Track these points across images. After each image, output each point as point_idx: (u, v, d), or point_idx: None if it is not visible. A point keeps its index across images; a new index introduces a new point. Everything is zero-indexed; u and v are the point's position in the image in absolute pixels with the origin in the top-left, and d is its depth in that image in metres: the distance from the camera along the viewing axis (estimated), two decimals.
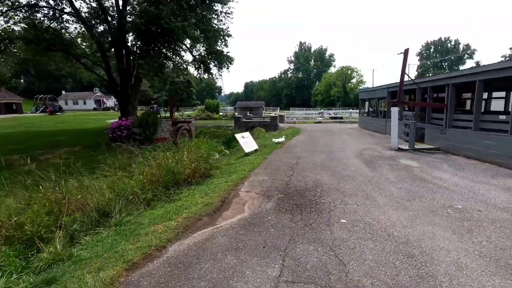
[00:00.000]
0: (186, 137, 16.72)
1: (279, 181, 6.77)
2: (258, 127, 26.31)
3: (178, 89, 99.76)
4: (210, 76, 32.95)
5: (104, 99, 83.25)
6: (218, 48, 28.14)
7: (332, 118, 33.30)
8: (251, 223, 4.43)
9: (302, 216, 4.60)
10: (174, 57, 31.26)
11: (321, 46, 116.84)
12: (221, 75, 31.30)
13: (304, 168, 8.04)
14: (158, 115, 14.54)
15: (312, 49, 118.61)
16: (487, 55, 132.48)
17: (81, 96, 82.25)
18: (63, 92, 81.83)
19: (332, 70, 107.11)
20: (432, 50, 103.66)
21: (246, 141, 11.29)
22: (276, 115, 26.87)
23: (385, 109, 17.03)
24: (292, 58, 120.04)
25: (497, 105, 13.26)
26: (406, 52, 10.71)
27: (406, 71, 11.04)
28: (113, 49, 22.27)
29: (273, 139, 13.63)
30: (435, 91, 12.15)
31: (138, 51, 21.64)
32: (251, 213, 4.85)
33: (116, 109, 78.32)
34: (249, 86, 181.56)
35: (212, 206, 5.25)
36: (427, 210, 4.69)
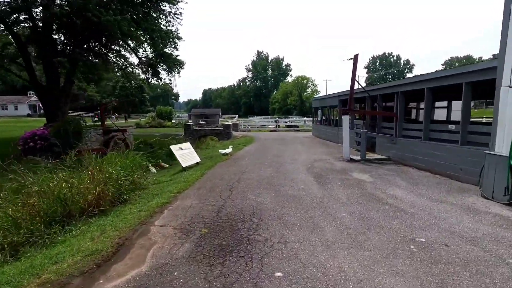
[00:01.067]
0: (121, 148, 14.51)
1: (209, 207, 5.36)
2: (210, 136, 24.74)
3: (130, 94, 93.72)
4: (159, 80, 30.66)
5: (40, 104, 74.26)
6: (167, 51, 26.15)
7: (288, 126, 33.03)
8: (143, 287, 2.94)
9: (224, 268, 3.23)
10: (117, 58, 28.53)
11: (278, 55, 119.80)
12: (171, 80, 29.29)
13: (246, 187, 6.75)
14: (84, 123, 12.23)
15: (270, 58, 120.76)
16: (423, 70, 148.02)
17: (12, 101, 72.56)
18: None
19: (289, 79, 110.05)
20: (378, 63, 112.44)
21: (185, 154, 9.71)
22: (230, 123, 25.57)
23: (337, 118, 16.73)
24: (250, 67, 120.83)
25: (439, 114, 13.55)
26: (355, 58, 10.19)
27: (356, 78, 10.53)
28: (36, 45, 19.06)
29: (220, 150, 12.23)
30: (384, 99, 11.90)
31: (62, 47, 18.78)
32: (153, 266, 3.35)
33: None
34: (207, 94, 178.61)
35: (100, 254, 3.64)
36: (386, 247, 3.65)
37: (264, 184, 6.98)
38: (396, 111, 9.95)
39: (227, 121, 37.30)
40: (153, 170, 11.38)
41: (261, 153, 12.36)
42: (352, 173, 8.14)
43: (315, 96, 21.86)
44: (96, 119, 60.56)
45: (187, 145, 10.29)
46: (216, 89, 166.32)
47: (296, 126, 31.89)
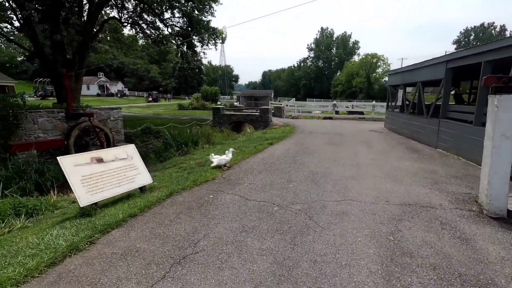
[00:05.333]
0: (93, 139, 10.22)
1: None
2: (245, 123, 19.48)
3: (188, 76, 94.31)
4: (193, 54, 26.37)
5: (108, 85, 79.21)
6: (197, 15, 21.24)
7: (350, 112, 25.70)
8: None
9: None
10: (151, 30, 25.16)
11: (345, 32, 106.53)
12: (204, 53, 24.70)
13: None
14: (22, 101, 8.17)
15: (335, 36, 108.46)
16: None
17: (86, 81, 77.97)
18: None
19: (356, 58, 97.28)
20: (472, 37, 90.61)
21: (102, 173, 4.50)
22: (270, 107, 19.81)
23: (436, 103, 9.63)
24: (313, 46, 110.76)
25: None
26: None
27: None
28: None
29: (212, 155, 6.75)
30: None
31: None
32: None
33: (119, 95, 73.79)
34: (266, 76, 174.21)
35: None
36: None
37: None
38: None
39: (280, 104, 31.60)
40: None
41: (286, 168, 6.48)
42: None
43: (392, 69, 14.18)
44: (150, 99, 60.96)
45: (119, 151, 5.05)
46: (276, 70, 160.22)
47: (361, 113, 24.31)
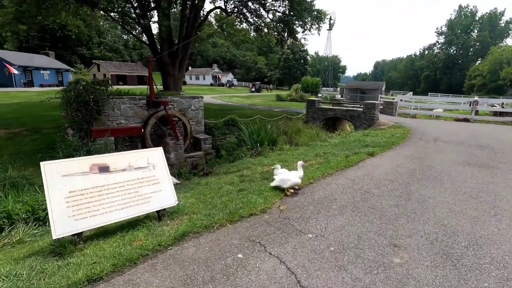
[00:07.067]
0: (166, 130, 9.76)
1: None
2: (343, 120, 16.45)
3: (292, 66, 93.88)
4: (295, 41, 24.41)
5: (219, 76, 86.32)
6: None
7: (497, 114, 18.71)
8: None
9: None
10: (255, 19, 24.57)
11: (495, 8, 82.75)
12: (305, 38, 22.35)
13: None
14: (105, 87, 8.13)
15: (478, 15, 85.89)
16: None
17: (202, 72, 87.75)
18: (189, 68, 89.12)
19: (509, 42, 74.64)
20: None
21: (102, 186, 3.16)
22: (377, 102, 15.96)
23: None
24: (444, 29, 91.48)
25: None
26: None
27: None
28: None
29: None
30: None
31: None
32: None
33: (228, 85, 79.36)
34: (379, 66, 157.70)
35: None
36: None
37: None
38: None
39: (393, 98, 26.58)
40: None
41: (389, 208, 3.83)
42: None
43: None
44: (253, 90, 62.82)
45: (136, 157, 3.60)
46: (391, 60, 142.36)
47: None
